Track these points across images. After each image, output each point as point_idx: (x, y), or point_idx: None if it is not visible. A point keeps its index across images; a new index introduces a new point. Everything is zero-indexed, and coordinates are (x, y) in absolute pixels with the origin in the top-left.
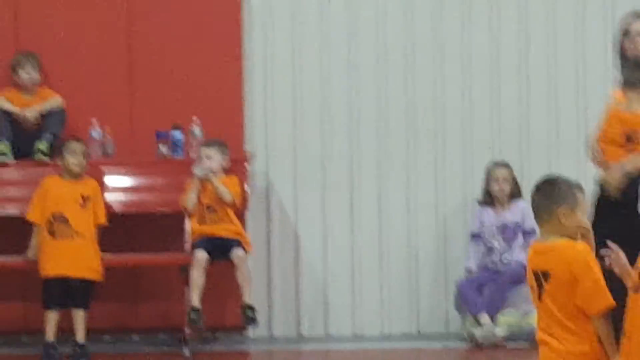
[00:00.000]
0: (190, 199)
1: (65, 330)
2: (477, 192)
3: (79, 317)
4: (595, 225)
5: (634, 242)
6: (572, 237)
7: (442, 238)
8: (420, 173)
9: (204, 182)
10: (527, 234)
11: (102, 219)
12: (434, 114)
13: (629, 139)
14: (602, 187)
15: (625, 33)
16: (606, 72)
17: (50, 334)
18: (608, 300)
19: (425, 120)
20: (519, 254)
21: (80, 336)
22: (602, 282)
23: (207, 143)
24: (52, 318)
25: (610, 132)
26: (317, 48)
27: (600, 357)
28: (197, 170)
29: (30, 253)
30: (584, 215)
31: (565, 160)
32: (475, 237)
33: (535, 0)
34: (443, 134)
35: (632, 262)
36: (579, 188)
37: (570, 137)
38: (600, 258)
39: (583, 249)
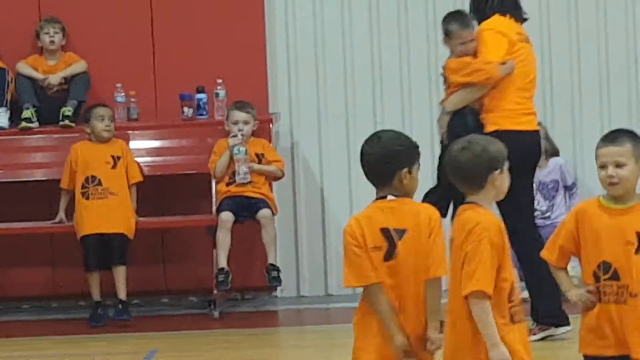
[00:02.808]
0: (219, 167)
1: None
2: None
3: (120, 274)
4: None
5: None
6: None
7: None
8: None
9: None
10: (568, 190)
11: (138, 177)
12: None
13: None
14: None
15: None
16: None
17: (95, 294)
18: None
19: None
20: (560, 212)
21: (122, 293)
22: None
23: (238, 106)
24: (94, 279)
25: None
26: (339, 5)
27: None
28: (240, 178)
29: (59, 217)
30: None
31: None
32: None
33: None
34: None
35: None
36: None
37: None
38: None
39: None
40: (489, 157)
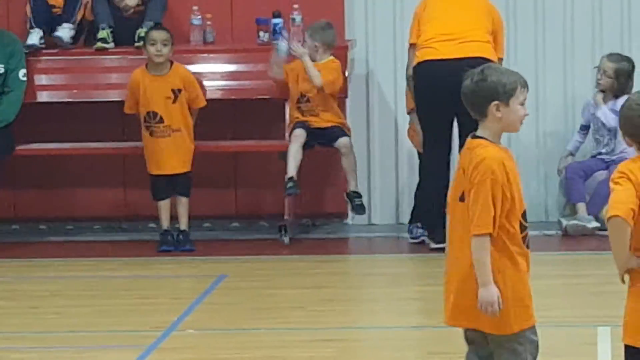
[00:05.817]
0: (274, 70)
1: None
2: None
3: (182, 205)
4: None
5: None
6: None
7: (542, 131)
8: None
9: (297, 69)
10: None
11: (201, 102)
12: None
13: None
14: None
15: None
16: None
17: (164, 222)
18: None
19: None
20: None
21: (183, 224)
22: None
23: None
24: (163, 207)
25: None
26: None
27: None
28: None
29: None
30: None
31: None
32: (583, 127)
33: None
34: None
35: None
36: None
37: None
38: None
39: None
40: (486, 87)
